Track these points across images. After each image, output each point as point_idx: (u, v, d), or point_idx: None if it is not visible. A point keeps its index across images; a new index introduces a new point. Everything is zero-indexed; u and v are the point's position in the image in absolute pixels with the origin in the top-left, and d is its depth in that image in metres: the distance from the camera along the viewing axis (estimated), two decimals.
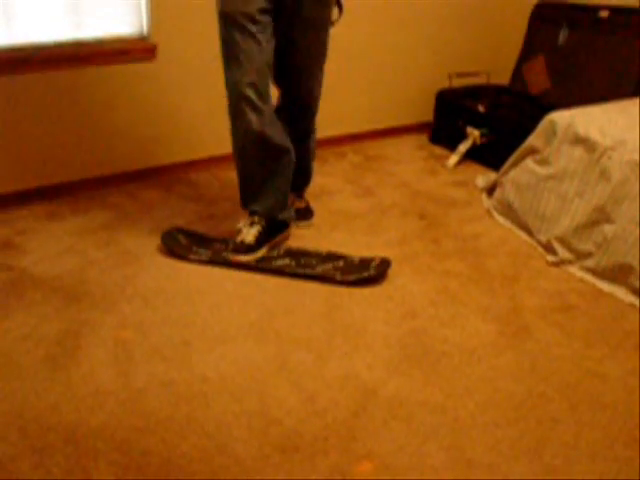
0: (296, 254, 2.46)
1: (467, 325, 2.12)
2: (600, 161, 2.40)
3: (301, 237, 2.62)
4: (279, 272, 2.35)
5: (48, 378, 1.81)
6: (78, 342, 1.95)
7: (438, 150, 3.64)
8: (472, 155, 3.46)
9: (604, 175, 2.37)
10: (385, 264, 2.38)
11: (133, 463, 1.55)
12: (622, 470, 1.59)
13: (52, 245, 2.47)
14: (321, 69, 2.45)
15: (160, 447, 1.60)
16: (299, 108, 2.50)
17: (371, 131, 3.74)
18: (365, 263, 2.39)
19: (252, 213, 2.49)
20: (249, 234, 2.42)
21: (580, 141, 2.49)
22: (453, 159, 3.45)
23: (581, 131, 2.49)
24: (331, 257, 2.44)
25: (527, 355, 1.99)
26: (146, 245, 2.51)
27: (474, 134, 3.40)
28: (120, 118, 2.90)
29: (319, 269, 2.34)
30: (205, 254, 2.41)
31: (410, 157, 3.54)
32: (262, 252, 2.43)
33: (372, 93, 3.65)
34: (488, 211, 2.92)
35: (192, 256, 2.40)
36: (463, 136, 3.47)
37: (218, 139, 3.11)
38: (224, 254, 2.40)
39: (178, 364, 1.89)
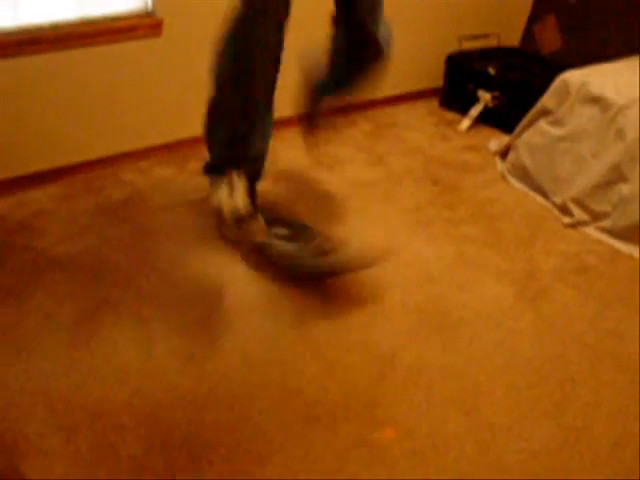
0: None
1: (484, 290, 2.12)
2: (615, 120, 2.37)
3: (315, 210, 2.62)
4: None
5: (72, 357, 1.83)
6: (99, 320, 1.98)
7: (449, 115, 3.60)
8: (484, 119, 3.42)
9: (619, 134, 2.34)
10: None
11: (159, 437, 1.58)
12: None
13: (68, 225, 2.49)
14: None
15: (184, 420, 1.63)
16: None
17: (381, 98, 3.70)
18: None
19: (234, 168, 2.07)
20: (239, 196, 2.01)
21: (594, 100, 2.46)
22: (465, 123, 3.41)
23: (595, 90, 2.46)
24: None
25: (545, 317, 2.00)
26: (161, 221, 2.52)
27: (485, 97, 3.36)
28: (129, 95, 2.89)
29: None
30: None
31: (421, 123, 3.51)
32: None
33: None
34: (502, 175, 2.90)
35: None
36: (474, 100, 3.44)
37: None
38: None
39: (198, 338, 1.91)
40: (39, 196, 2.70)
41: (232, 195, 1.98)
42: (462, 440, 1.58)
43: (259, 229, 2.00)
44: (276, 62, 1.98)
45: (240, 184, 2.00)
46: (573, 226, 2.48)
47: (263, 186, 2.41)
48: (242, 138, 2.03)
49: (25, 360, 1.82)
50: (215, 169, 2.05)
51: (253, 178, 2.09)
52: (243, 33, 1.90)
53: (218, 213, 2.01)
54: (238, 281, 2.16)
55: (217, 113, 2.07)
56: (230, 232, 1.98)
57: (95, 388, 1.73)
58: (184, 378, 1.76)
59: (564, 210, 2.54)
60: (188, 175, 2.89)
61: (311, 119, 2.28)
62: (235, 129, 2.03)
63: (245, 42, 1.92)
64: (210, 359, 1.83)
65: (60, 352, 1.85)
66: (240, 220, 1.96)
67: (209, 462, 1.51)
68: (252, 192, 2.04)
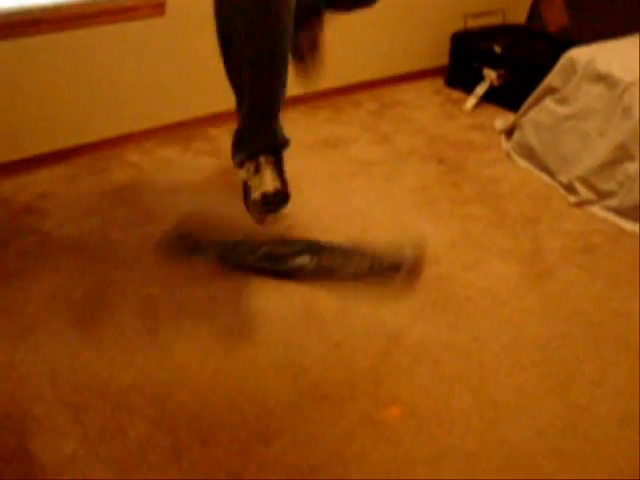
0: (315, 247, 2.09)
1: (490, 269, 2.12)
2: (622, 97, 2.35)
3: (321, 190, 2.61)
4: (297, 273, 2.04)
5: (79, 338, 1.85)
6: (106, 301, 1.99)
7: (455, 94, 3.58)
8: (490, 97, 3.40)
9: (626, 112, 2.32)
10: (417, 265, 2.06)
11: (166, 416, 1.59)
12: None
13: (73, 207, 2.49)
14: None
15: (191, 400, 1.64)
16: None
17: (386, 77, 3.68)
18: (395, 265, 2.03)
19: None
20: (269, 179, 1.83)
21: (601, 78, 2.43)
22: (470, 102, 3.39)
23: (602, 67, 2.44)
24: (356, 252, 2.08)
25: (551, 296, 2.00)
26: (165, 202, 2.52)
27: (491, 76, 3.34)
28: (132, 76, 2.87)
29: (341, 272, 2.02)
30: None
31: (427, 102, 3.49)
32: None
33: (386, 39, 3.58)
34: (507, 153, 2.89)
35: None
36: (480, 78, 3.41)
37: (232, 93, 3.08)
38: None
39: (204, 318, 1.91)
40: (43, 178, 2.70)
41: (260, 175, 1.84)
42: (467, 418, 1.58)
43: (282, 212, 1.85)
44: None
45: (268, 167, 1.85)
46: (579, 205, 2.48)
47: None
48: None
49: (32, 341, 1.83)
50: (245, 152, 1.94)
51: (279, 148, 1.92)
52: None
53: (245, 189, 1.92)
54: None
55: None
56: (254, 211, 1.87)
57: (102, 368, 1.74)
58: (191, 358, 1.77)
59: (570, 189, 2.53)
60: (192, 155, 2.89)
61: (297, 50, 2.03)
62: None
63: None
64: (216, 339, 1.84)
65: (67, 333, 1.86)
66: (267, 201, 1.81)
67: (216, 441, 1.53)
68: (280, 167, 1.89)
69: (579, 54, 2.55)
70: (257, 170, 1.85)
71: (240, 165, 1.93)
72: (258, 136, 1.87)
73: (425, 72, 3.82)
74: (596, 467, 1.45)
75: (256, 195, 1.82)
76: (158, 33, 2.84)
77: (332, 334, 1.85)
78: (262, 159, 1.85)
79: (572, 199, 2.50)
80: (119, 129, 2.96)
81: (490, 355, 1.78)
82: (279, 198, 1.81)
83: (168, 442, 1.52)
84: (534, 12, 3.55)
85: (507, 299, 1.99)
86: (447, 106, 3.44)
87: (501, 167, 2.79)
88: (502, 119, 3.15)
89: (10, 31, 2.49)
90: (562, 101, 2.60)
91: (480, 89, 3.39)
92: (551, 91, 2.66)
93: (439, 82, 3.72)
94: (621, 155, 2.33)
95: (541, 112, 2.71)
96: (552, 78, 2.65)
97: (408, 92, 3.61)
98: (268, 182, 1.81)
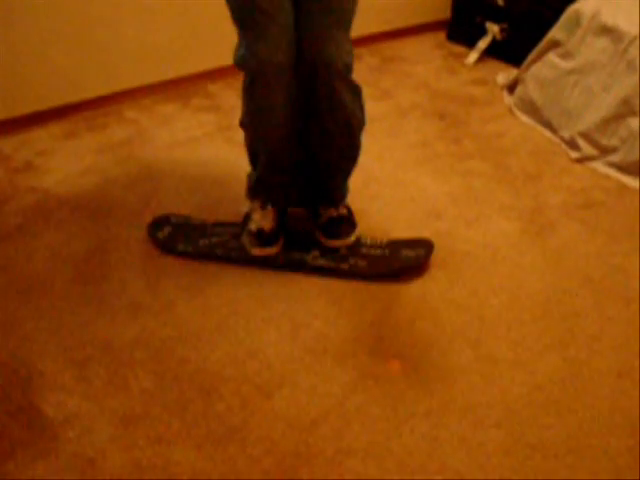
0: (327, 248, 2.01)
1: (491, 225, 2.12)
2: (627, 51, 2.31)
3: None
4: (316, 271, 1.94)
5: (80, 294, 1.85)
6: (107, 258, 1.99)
7: (457, 48, 3.52)
8: (492, 51, 3.35)
9: (630, 66, 2.29)
10: (428, 252, 1.97)
11: (169, 371, 1.61)
12: None
13: (72, 164, 2.48)
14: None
15: (193, 355, 1.65)
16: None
17: (387, 31, 3.62)
18: (410, 259, 1.94)
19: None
20: (266, 218, 1.97)
21: (606, 31, 2.40)
22: (472, 56, 3.35)
23: (608, 20, 2.40)
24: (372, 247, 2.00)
25: (551, 252, 2.00)
26: (165, 159, 2.50)
27: (493, 29, 3.29)
28: (130, 31, 2.83)
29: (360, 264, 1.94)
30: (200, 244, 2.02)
31: (428, 56, 3.44)
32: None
33: None
34: (509, 109, 2.86)
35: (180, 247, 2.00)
36: (482, 32, 3.36)
37: (232, 47, 3.04)
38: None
39: (206, 275, 1.92)
40: (42, 135, 2.68)
41: (262, 213, 1.98)
42: (467, 372, 1.60)
43: (274, 252, 1.96)
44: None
45: (270, 209, 1.99)
46: (581, 161, 2.46)
47: None
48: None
49: (34, 298, 1.84)
50: (254, 189, 2.03)
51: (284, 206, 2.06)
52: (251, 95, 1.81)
53: (244, 221, 2.03)
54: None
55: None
56: (247, 243, 1.96)
57: (105, 324, 1.75)
58: (193, 313, 1.78)
59: (572, 145, 2.51)
60: (191, 111, 2.86)
61: None
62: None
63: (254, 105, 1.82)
64: (218, 295, 1.85)
65: (69, 289, 1.87)
66: (261, 238, 1.94)
67: (219, 395, 1.54)
68: (282, 216, 2.03)
69: (584, 6, 2.51)
70: (263, 207, 1.99)
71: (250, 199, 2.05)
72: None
73: (426, 26, 3.76)
74: (594, 421, 1.47)
75: (252, 227, 1.96)
76: None
77: (333, 290, 1.86)
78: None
79: (574, 155, 2.48)
80: (117, 85, 2.93)
81: (490, 310, 1.79)
82: (269, 238, 1.95)
83: (172, 396, 1.54)
84: None
85: (507, 254, 1.99)
86: (449, 61, 3.39)
87: (503, 122, 2.76)
88: (504, 74, 3.11)
89: None
90: (566, 55, 2.57)
91: (482, 43, 3.33)
92: (555, 45, 2.62)
93: (441, 36, 3.66)
94: (624, 110, 2.30)
95: (544, 66, 2.67)
96: (556, 31, 2.61)
97: (409, 46, 3.55)
98: (268, 221, 1.96)
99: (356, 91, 1.85)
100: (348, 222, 2.01)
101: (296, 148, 1.91)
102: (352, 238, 1.98)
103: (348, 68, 1.78)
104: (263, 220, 1.96)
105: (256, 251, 1.94)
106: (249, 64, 1.70)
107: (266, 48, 1.65)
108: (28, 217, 2.18)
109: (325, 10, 1.68)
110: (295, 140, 1.89)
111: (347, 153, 1.94)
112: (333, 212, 1.99)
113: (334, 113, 1.81)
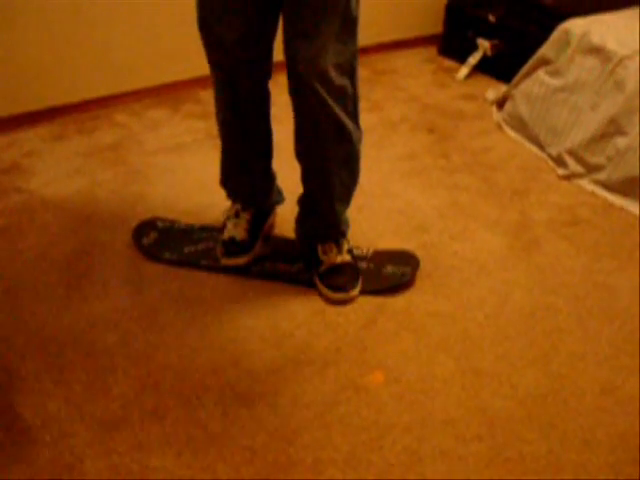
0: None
1: (477, 239, 2.13)
2: (615, 71, 2.34)
3: None
4: (293, 282, 1.93)
5: (63, 297, 1.84)
6: (91, 262, 1.98)
7: (447, 63, 3.55)
8: (482, 67, 3.37)
9: (618, 86, 2.32)
10: (414, 270, 1.95)
11: (150, 377, 1.59)
12: (627, 380, 1.62)
13: (60, 166, 2.46)
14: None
15: (175, 361, 1.64)
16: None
17: (379, 44, 3.64)
18: (395, 276, 1.92)
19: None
20: (238, 228, 1.96)
21: (595, 51, 2.42)
22: (463, 71, 3.37)
23: (597, 40, 2.42)
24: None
25: (536, 268, 2.01)
26: (154, 164, 2.50)
27: (484, 45, 3.31)
28: (122, 35, 2.83)
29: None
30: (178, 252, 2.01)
31: (419, 70, 3.46)
32: (257, 248, 1.98)
33: (379, 4, 3.53)
34: (498, 124, 2.88)
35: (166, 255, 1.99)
36: (473, 48, 3.38)
37: None
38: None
39: (191, 282, 1.91)
40: (30, 136, 2.67)
41: (235, 222, 1.97)
42: (450, 385, 1.60)
43: (243, 262, 1.94)
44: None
45: (243, 218, 1.98)
46: (567, 178, 2.48)
47: None
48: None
49: (17, 300, 1.82)
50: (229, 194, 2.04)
51: (261, 214, 2.03)
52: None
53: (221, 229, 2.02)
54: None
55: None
56: (218, 252, 1.96)
57: (87, 328, 1.74)
58: (176, 320, 1.77)
59: (559, 162, 2.53)
60: (181, 117, 2.86)
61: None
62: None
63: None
64: (202, 302, 1.84)
65: (52, 293, 1.86)
66: (231, 248, 1.93)
67: (200, 403, 1.53)
68: (257, 226, 2.00)
69: (575, 26, 2.53)
70: (236, 215, 1.99)
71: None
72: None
73: (418, 40, 3.78)
74: (575, 436, 1.47)
75: (225, 236, 1.96)
76: None
77: (317, 300, 1.86)
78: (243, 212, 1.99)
79: (561, 172, 2.50)
80: (108, 89, 2.92)
81: (474, 324, 1.79)
82: (239, 247, 1.93)
83: (152, 403, 1.53)
84: None
85: (493, 269, 2.00)
86: (439, 75, 3.42)
87: (491, 138, 2.78)
88: (494, 90, 3.13)
89: None
90: (555, 73, 2.59)
91: (473, 59, 3.36)
92: (544, 62, 2.65)
93: (432, 50, 3.69)
94: (611, 129, 2.33)
95: (533, 83, 2.69)
96: (546, 49, 2.63)
97: (401, 60, 3.57)
98: (240, 230, 1.95)
99: (345, 94, 1.67)
100: (352, 269, 1.89)
101: (263, 153, 1.94)
102: (355, 292, 1.86)
103: (337, 68, 1.62)
104: (235, 229, 1.95)
105: (225, 260, 1.92)
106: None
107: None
108: (13, 218, 2.16)
109: (303, 5, 1.57)
110: (261, 142, 1.92)
111: (345, 175, 1.83)
112: (336, 258, 1.88)
113: (320, 118, 1.66)
